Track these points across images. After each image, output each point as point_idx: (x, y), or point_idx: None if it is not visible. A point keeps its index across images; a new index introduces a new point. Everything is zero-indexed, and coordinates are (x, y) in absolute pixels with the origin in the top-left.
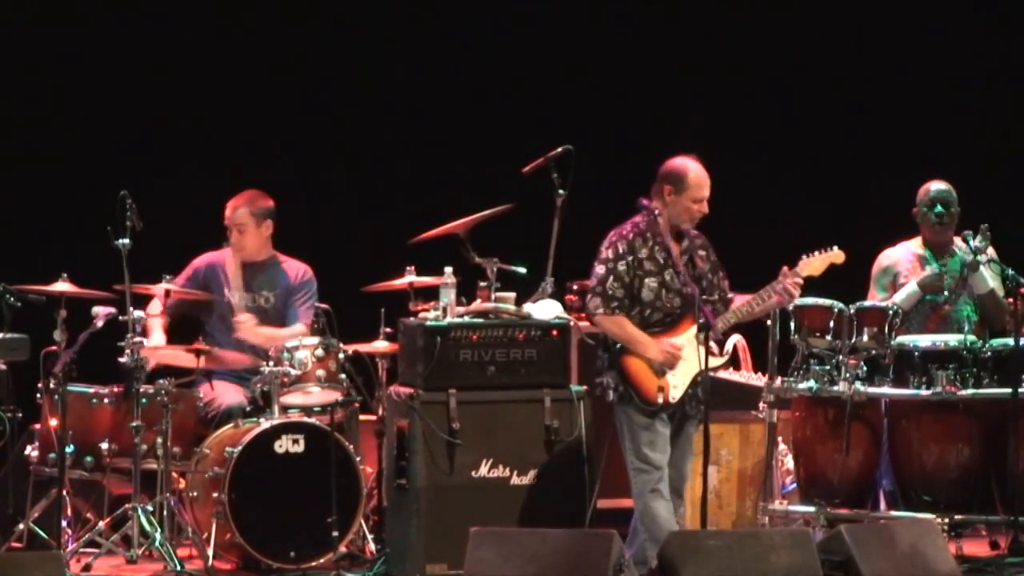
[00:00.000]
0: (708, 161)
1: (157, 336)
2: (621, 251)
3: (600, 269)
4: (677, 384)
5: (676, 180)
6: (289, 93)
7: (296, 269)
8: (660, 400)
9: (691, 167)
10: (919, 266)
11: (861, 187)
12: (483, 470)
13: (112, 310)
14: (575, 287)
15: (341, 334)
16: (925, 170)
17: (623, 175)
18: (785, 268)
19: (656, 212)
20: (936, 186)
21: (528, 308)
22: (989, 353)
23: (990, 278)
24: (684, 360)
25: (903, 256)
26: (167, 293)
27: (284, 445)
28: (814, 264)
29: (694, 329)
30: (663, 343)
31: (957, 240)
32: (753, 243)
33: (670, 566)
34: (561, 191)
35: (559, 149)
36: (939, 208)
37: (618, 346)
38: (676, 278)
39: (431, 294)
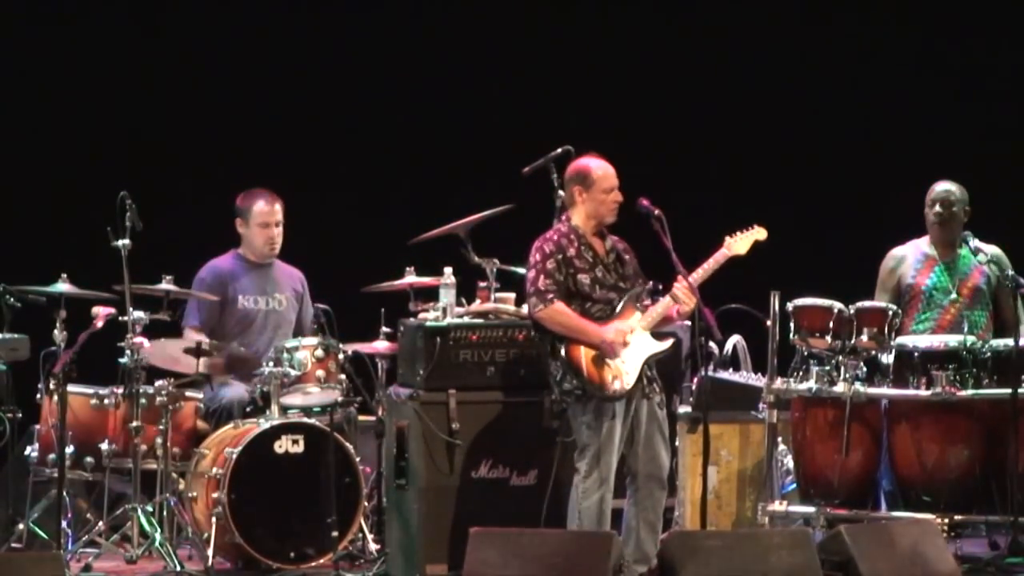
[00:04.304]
0: (708, 159)
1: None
2: (548, 251)
3: (531, 273)
4: (628, 371)
5: (582, 179)
6: (290, 93)
7: (297, 274)
8: (616, 387)
9: (591, 162)
10: (928, 267)
11: (861, 187)
12: (483, 470)
13: (112, 310)
14: None
15: (341, 334)
16: (935, 170)
17: (622, 176)
18: (679, 276)
19: (567, 219)
20: (940, 186)
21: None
22: (989, 354)
23: None
24: (631, 346)
25: (912, 255)
26: (167, 293)
27: (284, 445)
28: (740, 243)
29: (637, 316)
30: (611, 326)
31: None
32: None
33: (670, 566)
34: (561, 192)
35: (559, 149)
36: (938, 208)
37: (563, 348)
38: (608, 274)
39: (431, 294)
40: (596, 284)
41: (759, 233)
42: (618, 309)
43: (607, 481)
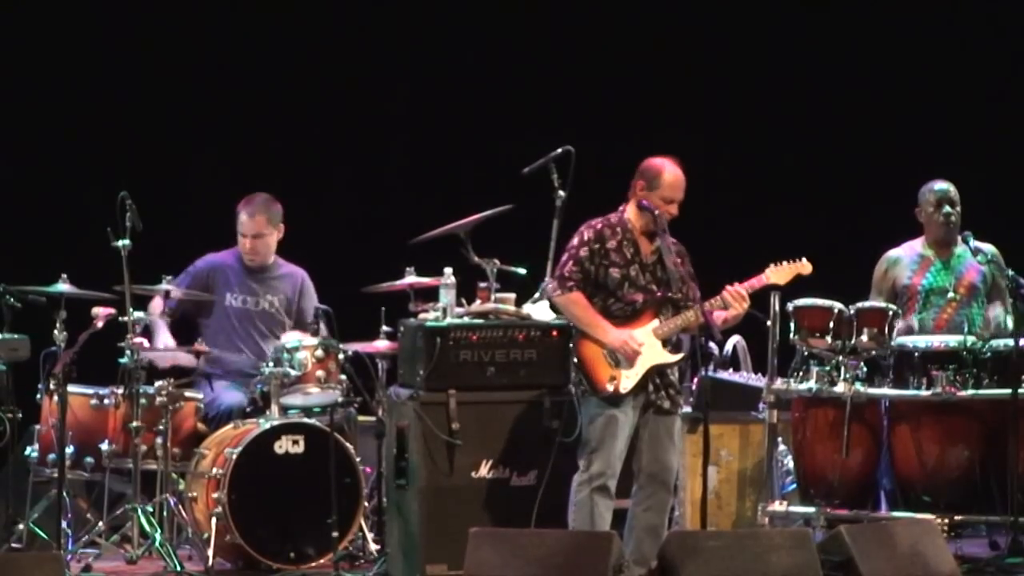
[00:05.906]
0: (707, 161)
1: (164, 337)
2: (587, 238)
3: (564, 256)
4: (629, 375)
5: (650, 177)
6: (290, 93)
7: (297, 275)
8: (611, 389)
9: (667, 167)
10: (924, 267)
11: (860, 187)
12: (483, 471)
13: (112, 311)
14: None
15: (341, 334)
16: (924, 169)
17: (623, 176)
18: (727, 286)
19: (623, 210)
20: (939, 185)
21: (528, 309)
22: (989, 354)
23: (1004, 316)
24: (641, 352)
25: (908, 258)
26: (167, 294)
27: (284, 446)
28: (781, 273)
29: (655, 323)
30: (624, 333)
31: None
32: (753, 245)
33: (670, 566)
34: (561, 192)
35: (559, 150)
36: (947, 208)
37: (576, 339)
38: (642, 275)
39: (431, 295)
40: (625, 281)
41: (803, 268)
42: (638, 313)
43: (601, 478)
